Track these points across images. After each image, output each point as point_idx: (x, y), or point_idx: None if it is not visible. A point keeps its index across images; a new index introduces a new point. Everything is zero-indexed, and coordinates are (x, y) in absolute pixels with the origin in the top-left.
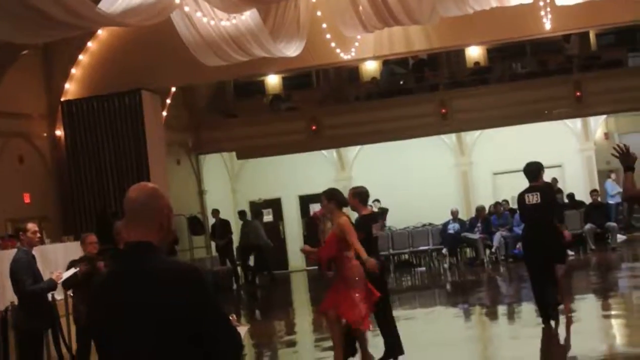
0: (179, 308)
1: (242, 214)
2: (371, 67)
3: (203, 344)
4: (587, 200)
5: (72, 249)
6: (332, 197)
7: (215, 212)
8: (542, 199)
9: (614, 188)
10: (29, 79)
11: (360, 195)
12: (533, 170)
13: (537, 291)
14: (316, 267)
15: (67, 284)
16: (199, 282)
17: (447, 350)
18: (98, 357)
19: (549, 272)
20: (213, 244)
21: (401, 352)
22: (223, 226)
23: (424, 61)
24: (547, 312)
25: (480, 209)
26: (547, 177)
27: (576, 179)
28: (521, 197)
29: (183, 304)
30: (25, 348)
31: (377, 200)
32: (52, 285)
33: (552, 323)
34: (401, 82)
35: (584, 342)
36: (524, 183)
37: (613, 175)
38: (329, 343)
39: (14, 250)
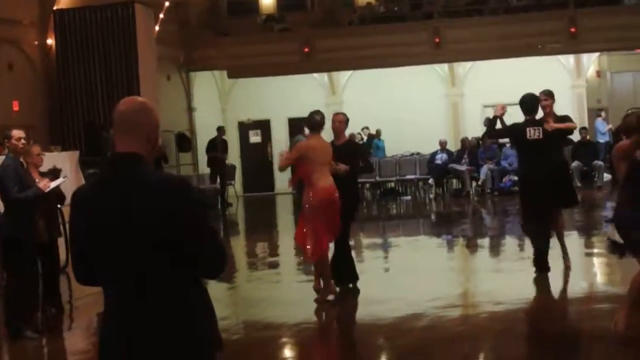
0: (166, 214)
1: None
2: None
3: (185, 250)
4: (577, 137)
5: (59, 159)
6: (305, 121)
7: (222, 130)
8: (545, 134)
9: (603, 126)
10: None
11: (308, 123)
12: (530, 101)
13: (536, 236)
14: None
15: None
16: (187, 191)
17: (428, 278)
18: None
19: (549, 216)
20: (204, 161)
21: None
22: (224, 144)
23: None
24: (545, 260)
25: (464, 140)
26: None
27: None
28: (521, 130)
29: (170, 210)
30: (9, 258)
31: (366, 128)
32: (38, 193)
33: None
34: (395, 9)
35: (565, 279)
36: (515, 117)
37: (603, 114)
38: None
39: (2, 158)
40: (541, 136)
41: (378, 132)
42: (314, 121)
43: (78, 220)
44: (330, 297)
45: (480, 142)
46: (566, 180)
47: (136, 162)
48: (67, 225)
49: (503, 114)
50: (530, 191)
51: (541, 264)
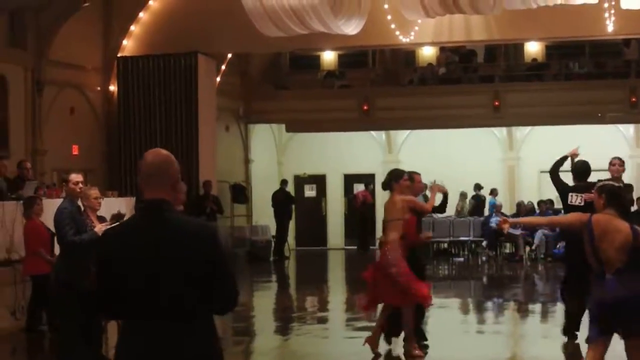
0: (196, 258)
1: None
2: (428, 53)
3: (210, 289)
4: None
5: (116, 204)
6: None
7: (284, 183)
8: (586, 202)
9: None
10: (88, 31)
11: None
12: (579, 168)
13: (569, 299)
14: (354, 247)
15: None
16: (214, 237)
17: (477, 341)
18: (109, 305)
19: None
20: (258, 212)
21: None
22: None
23: (475, 52)
24: (573, 326)
25: (519, 204)
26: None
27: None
28: (565, 192)
29: (200, 255)
30: (61, 302)
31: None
32: (93, 237)
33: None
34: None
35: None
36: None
37: None
38: (360, 323)
39: (60, 200)
40: (582, 203)
41: (494, 191)
42: (386, 181)
43: (113, 259)
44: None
45: (537, 206)
46: None
47: (167, 208)
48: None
49: (576, 155)
50: (571, 254)
51: (568, 329)
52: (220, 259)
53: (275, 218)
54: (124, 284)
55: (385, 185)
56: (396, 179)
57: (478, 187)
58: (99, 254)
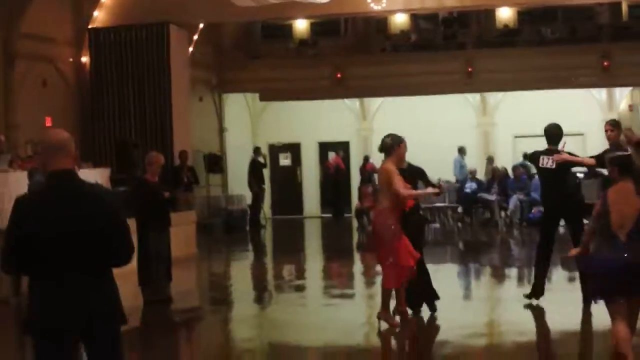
0: (98, 215)
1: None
2: (400, 20)
3: (109, 242)
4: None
5: (90, 175)
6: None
7: (258, 151)
8: (557, 164)
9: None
10: (58, 4)
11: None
12: (549, 131)
13: (537, 261)
14: (330, 215)
15: None
16: (110, 197)
17: (454, 307)
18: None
19: (552, 243)
20: (233, 182)
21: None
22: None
23: (454, 18)
24: (538, 285)
25: (494, 170)
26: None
27: (597, 148)
28: (536, 157)
29: (100, 212)
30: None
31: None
32: None
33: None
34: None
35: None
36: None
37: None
38: (337, 290)
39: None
40: (553, 165)
41: (462, 150)
42: (388, 145)
43: (27, 221)
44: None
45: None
46: (577, 210)
47: (73, 175)
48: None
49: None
50: (543, 217)
51: (534, 288)
52: (119, 219)
53: (248, 187)
54: (39, 241)
55: (386, 149)
56: (398, 142)
57: (462, 151)
58: (15, 216)
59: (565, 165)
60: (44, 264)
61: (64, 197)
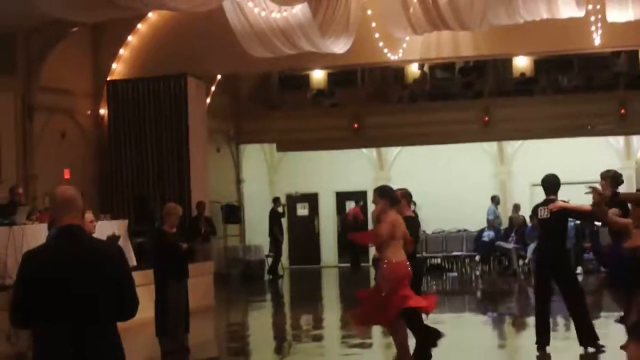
0: (106, 273)
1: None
2: (416, 70)
3: (116, 298)
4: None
5: (109, 227)
6: (385, 194)
7: (277, 202)
8: (551, 214)
9: None
10: (77, 56)
11: (408, 196)
12: (546, 182)
13: (537, 310)
14: (348, 264)
15: None
16: (120, 254)
17: (472, 356)
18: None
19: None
20: (251, 232)
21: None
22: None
23: (470, 67)
24: (539, 339)
25: (512, 218)
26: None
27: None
28: (536, 209)
29: (109, 269)
30: None
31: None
32: None
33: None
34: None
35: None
36: (562, 196)
37: None
38: (355, 340)
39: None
40: (548, 215)
41: (495, 198)
42: (395, 195)
43: (33, 277)
44: None
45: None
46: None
47: (81, 230)
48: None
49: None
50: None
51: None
52: (125, 273)
53: (269, 236)
54: (44, 297)
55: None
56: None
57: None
58: (22, 272)
59: (560, 215)
60: (49, 319)
61: (71, 253)
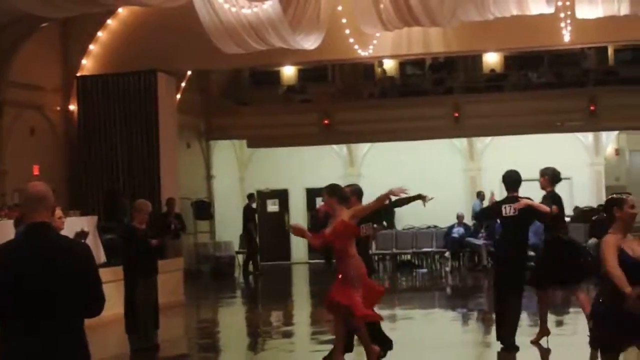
0: (74, 269)
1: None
2: (387, 66)
3: (84, 294)
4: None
5: (78, 223)
6: (333, 192)
7: (251, 198)
8: (519, 211)
9: None
10: (46, 52)
11: (358, 192)
12: (508, 178)
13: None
14: (318, 261)
15: None
16: (87, 251)
17: (442, 352)
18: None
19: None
20: (221, 228)
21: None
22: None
23: (441, 64)
24: (499, 334)
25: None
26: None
27: (584, 192)
28: (498, 207)
29: (77, 266)
30: None
31: None
32: None
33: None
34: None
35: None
36: (533, 192)
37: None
38: (325, 336)
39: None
40: (516, 213)
41: (480, 194)
42: (344, 193)
43: (5, 272)
44: None
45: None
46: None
47: (49, 227)
48: None
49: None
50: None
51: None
52: (91, 271)
53: (243, 232)
54: (10, 294)
55: (346, 197)
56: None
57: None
58: None
59: (527, 212)
60: (16, 316)
61: (38, 251)
